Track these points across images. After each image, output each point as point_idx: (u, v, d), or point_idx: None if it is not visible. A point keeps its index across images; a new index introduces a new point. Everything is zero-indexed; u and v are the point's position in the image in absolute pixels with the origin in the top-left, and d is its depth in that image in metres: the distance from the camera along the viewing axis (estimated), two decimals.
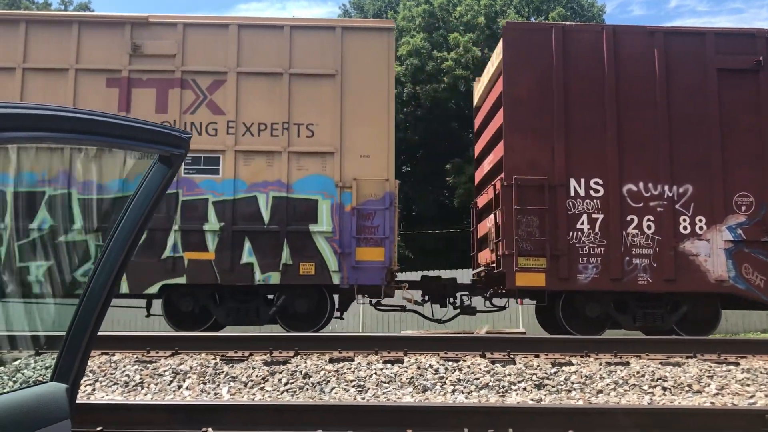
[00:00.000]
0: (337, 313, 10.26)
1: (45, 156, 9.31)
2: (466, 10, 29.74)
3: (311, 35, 9.99)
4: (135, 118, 1.71)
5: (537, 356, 7.46)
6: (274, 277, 9.50)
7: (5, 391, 1.57)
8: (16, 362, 6.96)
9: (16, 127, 1.40)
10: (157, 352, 7.37)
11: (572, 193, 9.81)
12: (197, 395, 6.13)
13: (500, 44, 10.55)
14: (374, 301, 10.40)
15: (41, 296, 9.47)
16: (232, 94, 9.77)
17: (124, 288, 9.32)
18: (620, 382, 6.51)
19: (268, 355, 7.31)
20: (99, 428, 4.94)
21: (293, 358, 7.19)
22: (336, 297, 10.12)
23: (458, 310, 10.95)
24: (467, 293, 10.97)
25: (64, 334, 1.77)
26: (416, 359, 7.18)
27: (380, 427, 5.06)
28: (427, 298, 10.81)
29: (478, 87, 12.64)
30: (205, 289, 9.68)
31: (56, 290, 9.36)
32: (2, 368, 6.82)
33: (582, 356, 7.47)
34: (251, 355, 7.31)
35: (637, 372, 6.78)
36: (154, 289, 9.40)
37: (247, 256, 9.50)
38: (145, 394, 6.19)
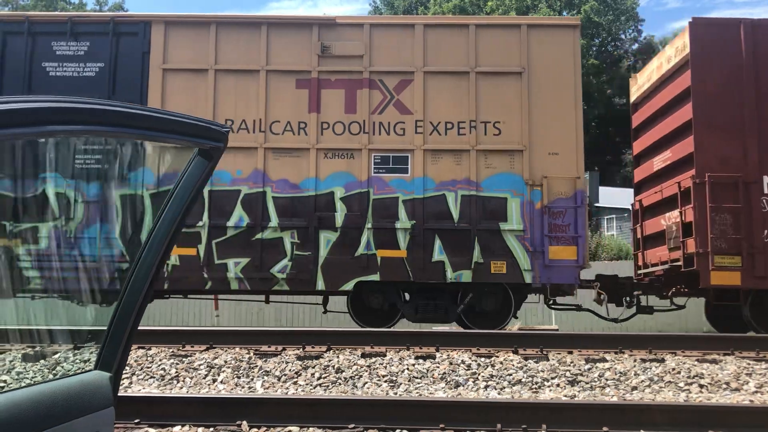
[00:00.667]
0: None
1: (241, 155, 9.48)
2: (497, 5, 29.56)
3: (496, 34, 9.95)
4: (173, 111, 1.74)
5: (570, 352, 7.41)
6: (466, 276, 9.46)
7: (52, 378, 1.62)
8: (56, 356, 7.13)
9: (60, 120, 1.43)
10: (192, 347, 7.48)
11: (765, 191, 9.62)
12: (232, 389, 6.21)
13: (681, 39, 10.36)
14: (549, 300, 10.27)
15: (237, 292, 9.67)
16: (419, 93, 9.77)
17: (320, 285, 9.43)
18: (655, 378, 6.43)
19: (301, 349, 7.37)
20: (136, 420, 5.03)
21: (326, 353, 7.24)
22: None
23: (634, 310, 10.67)
24: (640, 291, 10.66)
25: (106, 326, 1.81)
26: (448, 355, 7.17)
27: (413, 422, 5.07)
28: (603, 297, 10.60)
29: (638, 83, 12.42)
30: (390, 286, 9.69)
31: (253, 286, 9.66)
32: (43, 361, 6.99)
33: (616, 352, 7.40)
34: (284, 349, 7.37)
35: (673, 369, 6.69)
36: (349, 286, 9.46)
37: (438, 254, 9.49)
38: (181, 388, 6.29)
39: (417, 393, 6.10)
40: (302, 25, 9.97)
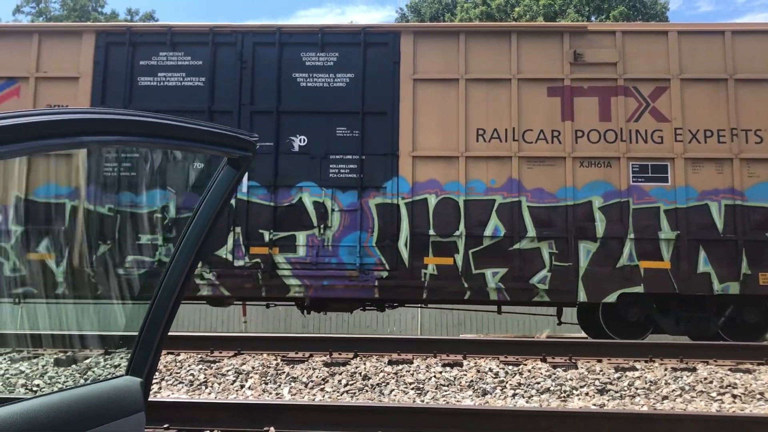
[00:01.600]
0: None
1: (494, 165, 9.44)
2: (524, 11, 29.43)
3: (753, 40, 9.80)
4: (202, 121, 1.77)
5: (599, 361, 7.34)
6: (733, 288, 9.21)
7: (83, 383, 1.65)
8: (87, 360, 7.24)
9: (94, 131, 1.47)
10: (220, 352, 7.55)
11: None
12: (259, 395, 6.24)
13: None
14: None
15: (498, 302, 9.55)
16: (677, 100, 9.61)
17: (582, 296, 9.25)
18: (687, 388, 6.33)
19: (328, 356, 7.40)
20: (165, 425, 5.08)
21: (352, 360, 7.25)
22: None
23: None
24: None
25: (137, 332, 1.84)
26: (476, 363, 7.15)
27: (440, 429, 5.05)
28: None
29: None
30: (647, 298, 9.48)
31: (513, 296, 9.60)
32: (75, 366, 7.11)
33: (646, 361, 7.31)
34: (311, 356, 7.40)
35: (705, 378, 6.58)
36: (612, 298, 9.26)
37: (703, 265, 9.26)
38: (209, 393, 6.34)
39: (444, 400, 6.08)
40: (553, 32, 9.92)
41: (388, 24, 10.00)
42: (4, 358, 7.38)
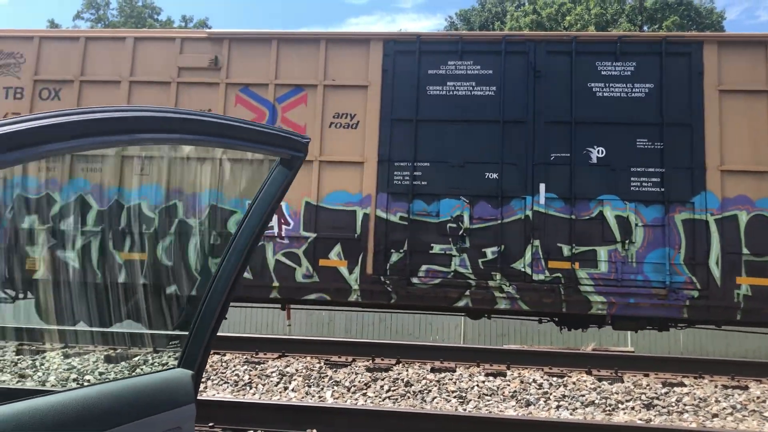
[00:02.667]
0: None
1: None
2: (575, 20, 29.13)
3: None
4: (257, 122, 1.81)
5: (646, 375, 7.20)
6: None
7: (138, 374, 1.70)
8: (136, 358, 7.41)
9: (150, 129, 1.51)
10: (265, 354, 7.65)
11: None
12: (302, 397, 6.30)
13: None
14: None
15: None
16: None
17: None
18: (738, 406, 6.16)
19: (371, 361, 7.42)
20: (210, 424, 5.17)
21: (395, 366, 7.26)
22: None
23: None
24: None
25: (190, 327, 1.89)
26: (519, 373, 7.08)
27: None
28: None
29: None
30: None
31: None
32: (124, 363, 7.28)
33: (695, 377, 7.15)
34: (354, 360, 7.44)
35: (758, 397, 6.40)
36: None
37: None
38: (254, 394, 6.42)
39: (487, 410, 6.03)
40: None
41: (689, 34, 9.44)
42: (57, 354, 7.60)
